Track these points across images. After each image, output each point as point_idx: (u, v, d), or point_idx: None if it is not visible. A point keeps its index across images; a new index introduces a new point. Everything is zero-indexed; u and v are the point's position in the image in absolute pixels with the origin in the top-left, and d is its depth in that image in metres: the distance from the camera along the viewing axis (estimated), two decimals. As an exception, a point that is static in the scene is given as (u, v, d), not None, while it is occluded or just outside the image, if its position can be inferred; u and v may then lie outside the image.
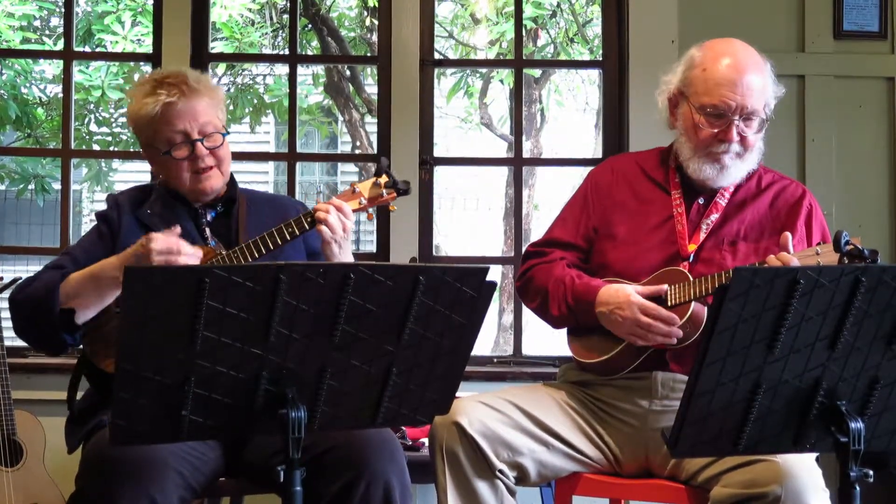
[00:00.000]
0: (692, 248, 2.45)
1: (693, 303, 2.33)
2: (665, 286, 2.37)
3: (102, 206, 2.64)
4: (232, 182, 2.64)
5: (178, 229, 2.34)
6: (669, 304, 2.36)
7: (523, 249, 2.78)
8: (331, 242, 2.40)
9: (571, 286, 2.47)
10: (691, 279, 2.35)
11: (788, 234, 2.25)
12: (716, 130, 2.42)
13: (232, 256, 2.40)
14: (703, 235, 2.46)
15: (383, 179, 2.48)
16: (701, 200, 2.51)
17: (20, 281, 2.51)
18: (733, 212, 2.49)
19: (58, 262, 2.49)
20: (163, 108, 2.47)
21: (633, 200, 2.58)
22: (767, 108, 2.47)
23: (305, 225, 2.42)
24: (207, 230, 2.57)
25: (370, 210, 2.52)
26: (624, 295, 2.37)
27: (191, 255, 2.30)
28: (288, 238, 2.41)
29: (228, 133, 2.57)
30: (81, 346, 2.46)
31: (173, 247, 2.28)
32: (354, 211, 2.46)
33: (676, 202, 2.52)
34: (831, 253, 2.14)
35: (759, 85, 2.43)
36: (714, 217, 2.48)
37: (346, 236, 2.43)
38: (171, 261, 2.26)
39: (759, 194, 2.53)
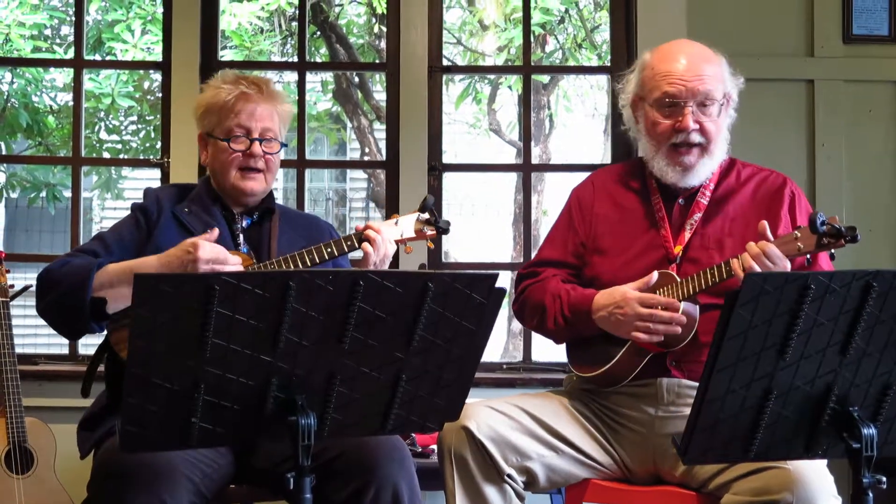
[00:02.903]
0: (678, 249, 2.46)
1: (683, 303, 2.33)
2: (654, 274, 2.37)
3: (111, 210, 2.65)
4: (269, 194, 2.67)
5: (216, 232, 2.37)
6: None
7: (532, 255, 2.78)
8: (370, 265, 2.45)
9: (567, 298, 2.48)
10: (678, 280, 2.35)
11: (765, 223, 2.25)
12: (671, 121, 2.44)
13: (270, 268, 2.40)
14: (687, 235, 2.46)
15: (426, 216, 2.53)
16: (681, 201, 2.52)
17: (53, 262, 2.45)
18: (715, 209, 2.50)
19: (89, 247, 2.49)
20: (237, 97, 2.54)
21: (615, 211, 2.59)
22: (729, 97, 2.50)
23: (345, 247, 2.47)
24: (241, 236, 2.59)
25: (409, 244, 2.57)
26: (620, 293, 2.37)
27: (237, 265, 2.32)
28: (326, 257, 2.45)
29: (286, 146, 2.63)
30: (105, 332, 2.45)
31: (220, 256, 2.30)
32: (395, 242, 2.52)
33: (657, 207, 2.52)
34: (809, 235, 2.14)
35: (710, 71, 2.46)
36: (697, 216, 2.48)
37: (384, 261, 2.48)
38: (217, 270, 2.27)
39: (740, 188, 2.53)
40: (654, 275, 2.37)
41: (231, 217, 2.60)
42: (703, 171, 2.48)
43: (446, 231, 2.57)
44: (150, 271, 2.30)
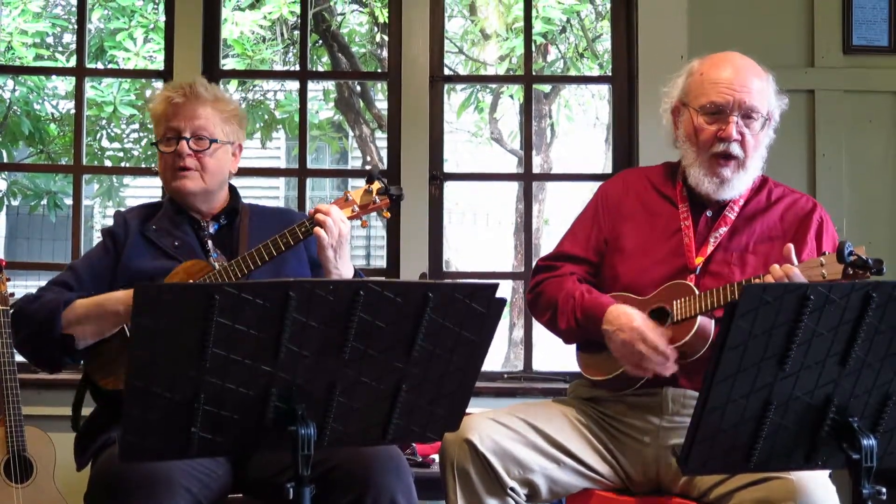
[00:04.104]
0: (699, 260, 2.44)
1: (699, 317, 2.32)
2: (668, 340, 2.34)
3: (112, 219, 2.68)
4: (234, 194, 2.68)
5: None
6: (675, 319, 2.35)
7: (534, 264, 2.77)
8: (327, 248, 2.41)
9: (581, 301, 2.47)
10: (697, 293, 2.34)
11: (791, 246, 2.23)
12: (715, 128, 2.43)
13: (229, 269, 2.40)
14: (710, 248, 2.45)
15: (375, 186, 2.48)
16: (709, 213, 2.50)
17: (25, 295, 2.54)
18: (742, 225, 2.48)
19: (61, 279, 2.54)
20: (164, 104, 2.58)
21: (641, 213, 2.58)
22: (772, 116, 2.49)
23: (300, 234, 2.43)
24: (210, 242, 2.59)
25: (364, 217, 2.51)
26: (628, 319, 2.35)
27: None
28: (283, 248, 2.41)
29: (217, 141, 2.59)
30: (83, 363, 2.49)
31: None
32: (349, 218, 2.46)
33: (683, 215, 2.51)
34: (835, 264, 2.13)
35: (757, 85, 2.46)
36: (723, 230, 2.47)
37: (342, 242, 2.43)
38: None
39: (769, 208, 2.52)
40: (668, 334, 2.34)
41: (198, 226, 2.61)
42: (738, 185, 2.47)
43: (400, 198, 2.49)
44: (115, 306, 2.36)
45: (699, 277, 2.43)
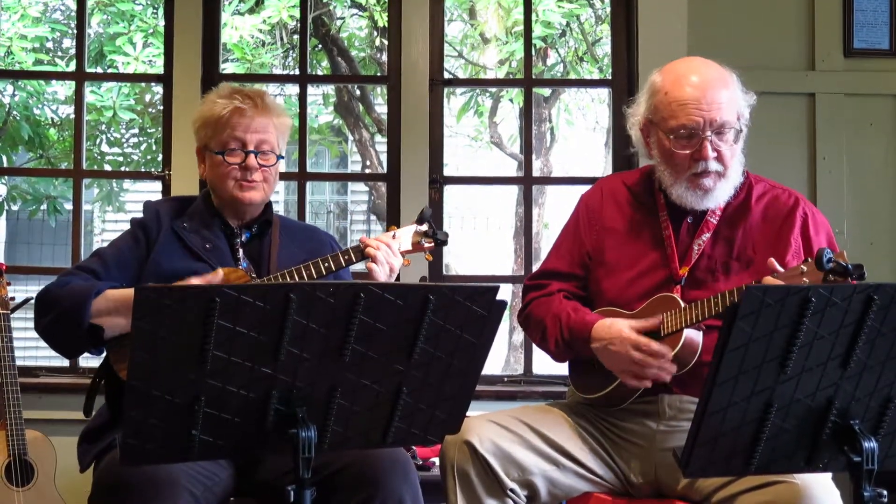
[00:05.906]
0: (684, 271, 2.42)
1: (686, 330, 2.30)
2: (658, 318, 2.33)
3: (112, 223, 2.66)
4: (268, 206, 2.66)
5: (219, 275, 2.37)
6: (662, 333, 2.33)
7: (534, 268, 2.77)
8: (378, 278, 2.44)
9: (567, 322, 2.45)
10: (682, 305, 2.32)
11: (773, 260, 2.19)
12: (689, 151, 2.37)
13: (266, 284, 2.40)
14: (694, 257, 2.42)
15: (423, 228, 2.53)
16: (689, 220, 2.46)
17: (53, 282, 2.46)
18: (725, 230, 2.45)
19: (88, 265, 2.49)
20: (232, 111, 2.54)
21: (622, 225, 2.54)
22: (742, 120, 2.42)
23: (342, 261, 2.47)
24: (241, 251, 2.58)
25: (406, 257, 2.55)
26: (616, 330, 2.34)
27: None
28: (324, 272, 2.45)
29: (282, 157, 2.61)
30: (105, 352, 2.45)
31: None
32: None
33: (664, 224, 2.47)
34: (815, 271, 2.10)
35: (725, 97, 2.38)
36: (705, 237, 2.43)
37: (392, 277, 2.48)
38: None
39: (751, 208, 2.46)
40: (657, 320, 2.33)
41: (230, 231, 2.60)
42: (721, 194, 2.41)
43: (444, 243, 2.56)
44: None
45: (685, 288, 2.40)
